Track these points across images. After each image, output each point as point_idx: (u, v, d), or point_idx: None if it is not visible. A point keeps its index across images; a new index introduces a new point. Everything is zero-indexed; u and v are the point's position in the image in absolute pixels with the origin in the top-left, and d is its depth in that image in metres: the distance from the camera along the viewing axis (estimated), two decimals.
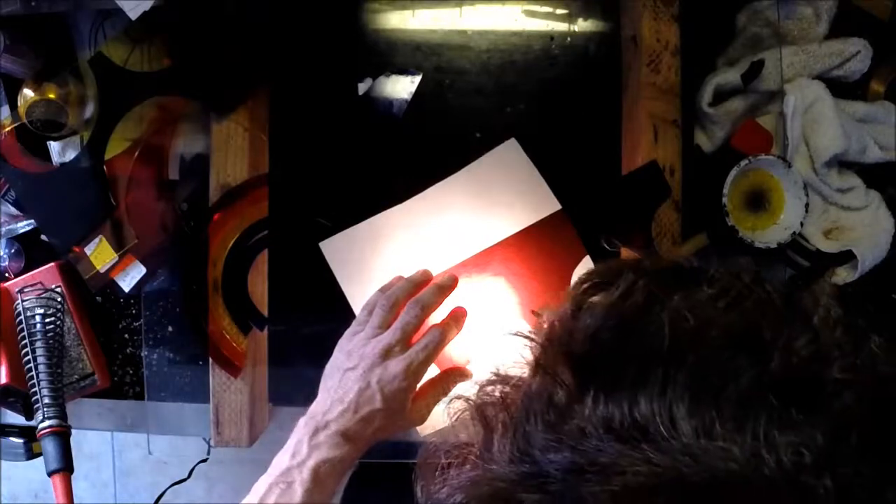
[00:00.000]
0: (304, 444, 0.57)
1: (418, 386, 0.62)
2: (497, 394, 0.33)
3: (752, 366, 0.25)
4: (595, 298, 0.32)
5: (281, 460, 0.57)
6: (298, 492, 0.54)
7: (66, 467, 0.63)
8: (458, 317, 0.67)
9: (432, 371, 0.66)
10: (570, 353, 0.30)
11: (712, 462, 0.24)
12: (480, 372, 0.68)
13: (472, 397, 0.33)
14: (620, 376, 0.27)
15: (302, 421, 0.60)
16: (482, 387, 0.33)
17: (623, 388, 0.27)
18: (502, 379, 0.33)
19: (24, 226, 0.78)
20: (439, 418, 0.65)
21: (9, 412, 0.76)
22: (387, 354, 0.60)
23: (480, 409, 0.32)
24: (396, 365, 0.60)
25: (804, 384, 0.25)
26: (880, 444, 0.24)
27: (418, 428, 0.66)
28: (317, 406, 0.61)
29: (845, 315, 0.27)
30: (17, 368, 0.69)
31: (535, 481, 0.27)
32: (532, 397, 0.30)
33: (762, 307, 0.28)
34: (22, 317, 0.70)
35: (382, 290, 0.68)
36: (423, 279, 0.68)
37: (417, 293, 0.66)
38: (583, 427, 0.27)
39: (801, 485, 0.23)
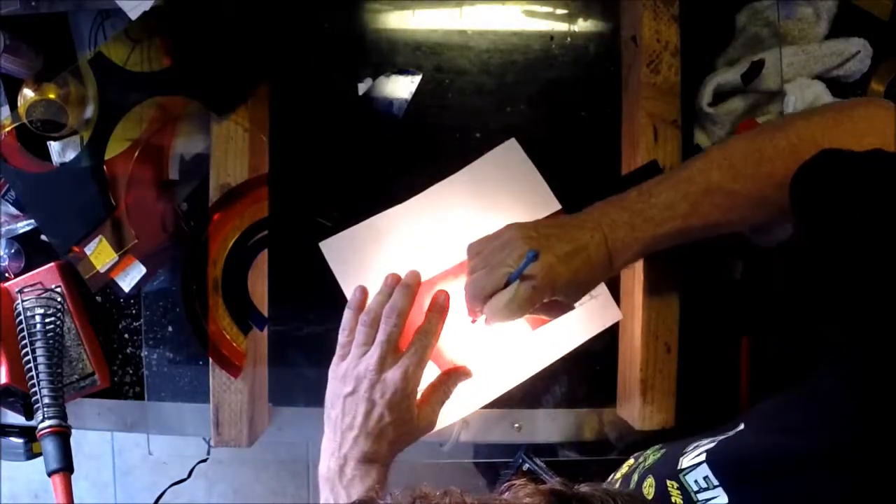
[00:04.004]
0: (339, 487, 0.58)
1: (420, 391, 0.62)
2: None
3: None
4: None
5: None
6: None
7: (66, 467, 0.63)
8: (438, 306, 0.65)
9: (434, 374, 0.66)
10: None
11: None
12: (480, 370, 0.68)
13: None
14: None
15: (322, 466, 0.60)
16: None
17: None
18: None
19: (24, 226, 0.78)
20: (442, 420, 0.66)
21: (9, 412, 0.76)
22: (381, 367, 0.60)
23: None
24: (393, 374, 0.60)
25: None
26: None
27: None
28: (330, 443, 0.61)
29: None
30: (17, 368, 0.69)
31: None
32: None
33: None
34: (22, 317, 0.70)
35: (350, 307, 0.66)
36: (393, 287, 0.66)
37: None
38: None
39: None
